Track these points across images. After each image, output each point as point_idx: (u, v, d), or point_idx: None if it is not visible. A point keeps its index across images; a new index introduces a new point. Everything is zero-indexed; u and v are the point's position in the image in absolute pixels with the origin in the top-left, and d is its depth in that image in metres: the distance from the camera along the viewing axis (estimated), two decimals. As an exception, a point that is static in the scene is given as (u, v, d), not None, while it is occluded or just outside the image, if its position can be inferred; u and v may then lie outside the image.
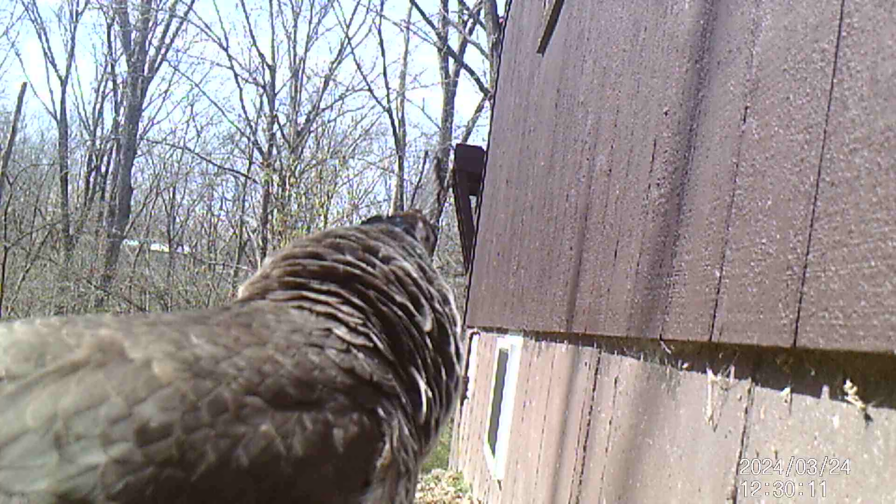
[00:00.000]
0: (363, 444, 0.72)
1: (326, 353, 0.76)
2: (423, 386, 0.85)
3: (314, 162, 22.31)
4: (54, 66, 26.61)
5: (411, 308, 0.90)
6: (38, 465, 0.59)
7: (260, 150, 24.61)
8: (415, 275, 0.93)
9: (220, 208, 29.38)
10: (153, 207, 28.39)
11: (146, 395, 0.63)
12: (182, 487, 0.60)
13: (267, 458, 0.64)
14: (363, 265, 0.91)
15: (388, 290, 0.89)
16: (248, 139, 25.47)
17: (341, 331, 0.81)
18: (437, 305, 0.93)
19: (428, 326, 0.90)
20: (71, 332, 0.69)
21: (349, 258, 0.91)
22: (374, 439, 0.74)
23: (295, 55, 24.75)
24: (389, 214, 1.24)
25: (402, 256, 0.96)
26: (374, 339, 0.83)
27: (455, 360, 0.93)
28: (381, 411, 0.76)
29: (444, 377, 0.90)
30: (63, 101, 25.95)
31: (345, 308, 0.85)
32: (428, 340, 0.89)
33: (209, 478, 0.61)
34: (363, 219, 1.50)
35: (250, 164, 25.89)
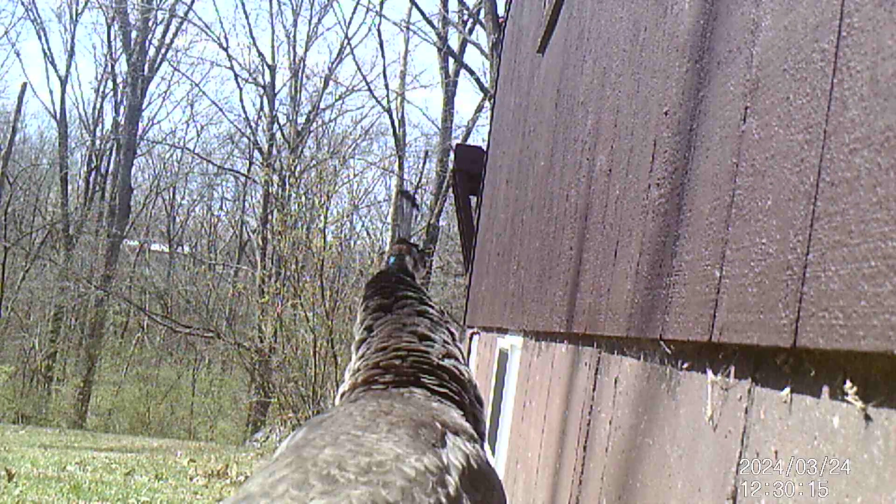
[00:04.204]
0: None
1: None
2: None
3: (314, 162, 22.31)
4: (54, 66, 26.62)
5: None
6: None
7: (260, 150, 24.60)
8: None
9: (220, 208, 29.42)
10: (153, 207, 28.41)
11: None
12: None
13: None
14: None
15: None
16: (248, 139, 25.48)
17: (455, 411, 1.49)
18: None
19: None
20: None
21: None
22: None
23: (295, 55, 24.77)
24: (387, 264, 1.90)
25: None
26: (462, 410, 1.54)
27: (481, 408, 1.63)
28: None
29: (481, 422, 1.61)
30: (63, 101, 25.97)
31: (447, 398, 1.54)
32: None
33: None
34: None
35: (250, 164, 25.90)
